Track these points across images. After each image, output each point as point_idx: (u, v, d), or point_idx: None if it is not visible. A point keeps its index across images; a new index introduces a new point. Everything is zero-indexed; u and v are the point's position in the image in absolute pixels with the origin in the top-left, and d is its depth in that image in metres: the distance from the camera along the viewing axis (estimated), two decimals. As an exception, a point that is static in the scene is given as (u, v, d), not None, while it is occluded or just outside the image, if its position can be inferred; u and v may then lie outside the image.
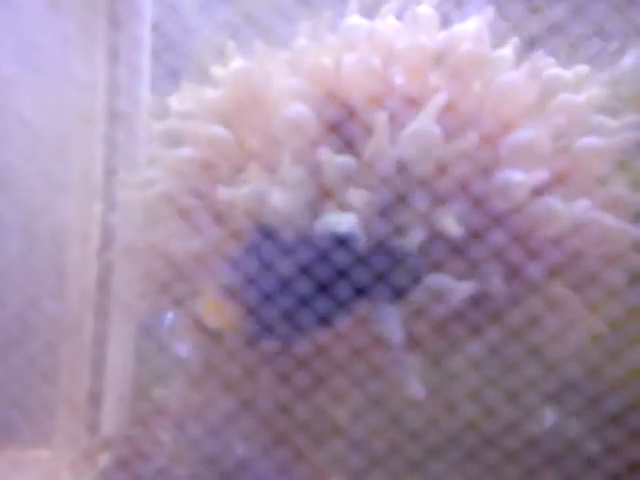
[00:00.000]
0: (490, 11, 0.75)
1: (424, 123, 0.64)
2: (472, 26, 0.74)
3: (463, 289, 0.59)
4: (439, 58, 0.75)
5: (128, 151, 0.84)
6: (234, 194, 0.67)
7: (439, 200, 0.64)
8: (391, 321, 0.61)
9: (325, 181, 0.68)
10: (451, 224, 0.60)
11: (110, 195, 0.81)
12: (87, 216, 0.82)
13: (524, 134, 0.65)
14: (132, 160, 0.83)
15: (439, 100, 0.65)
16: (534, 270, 0.62)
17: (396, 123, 0.70)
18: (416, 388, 0.60)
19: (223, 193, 0.67)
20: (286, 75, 0.76)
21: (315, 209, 0.66)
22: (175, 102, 0.80)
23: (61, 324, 0.79)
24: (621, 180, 0.70)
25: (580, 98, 0.70)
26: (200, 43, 0.87)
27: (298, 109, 0.70)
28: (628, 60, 0.80)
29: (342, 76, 0.72)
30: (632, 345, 0.62)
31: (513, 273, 0.63)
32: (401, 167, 0.64)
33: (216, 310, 0.61)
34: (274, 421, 0.65)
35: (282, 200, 0.65)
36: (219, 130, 0.70)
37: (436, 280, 0.61)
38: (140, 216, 0.71)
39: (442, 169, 0.64)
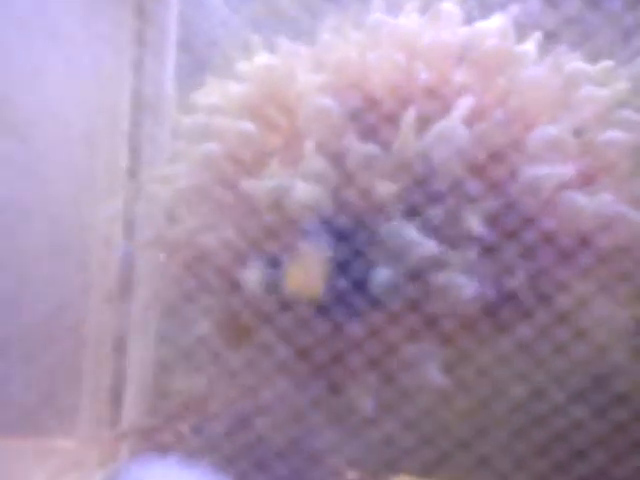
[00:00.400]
0: (514, 9, 0.75)
1: (453, 125, 0.65)
2: (496, 23, 0.75)
3: (470, 287, 0.60)
4: (463, 54, 0.76)
5: (154, 143, 0.85)
6: (258, 186, 0.68)
7: (467, 197, 0.65)
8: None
9: (350, 170, 0.69)
10: (475, 223, 0.61)
11: (135, 189, 0.83)
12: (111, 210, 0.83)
13: (548, 130, 0.65)
14: (159, 152, 0.85)
15: (467, 102, 0.65)
16: (563, 267, 0.62)
17: (421, 118, 0.71)
18: (435, 375, 0.62)
19: (248, 186, 0.69)
20: (310, 70, 0.77)
21: (339, 199, 0.67)
22: (201, 96, 0.81)
23: (85, 319, 0.80)
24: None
25: (604, 92, 0.70)
26: (226, 37, 0.88)
27: (324, 101, 0.72)
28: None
29: (367, 70, 0.73)
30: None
31: (542, 270, 0.63)
32: (430, 167, 0.65)
33: (302, 277, 0.62)
34: (304, 410, 0.66)
35: (305, 192, 0.66)
36: (245, 125, 0.71)
37: (445, 277, 0.62)
38: (168, 208, 0.73)
39: (471, 167, 0.65)
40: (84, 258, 0.83)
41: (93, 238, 0.83)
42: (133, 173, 0.85)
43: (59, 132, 0.81)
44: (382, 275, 0.64)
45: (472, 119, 0.68)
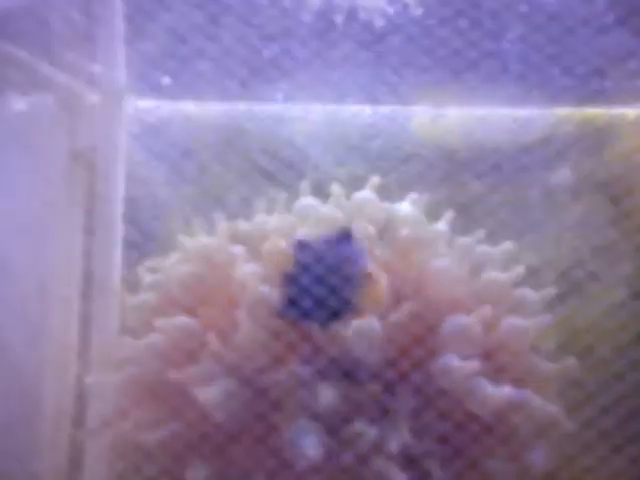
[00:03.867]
0: (424, 196, 0.85)
1: (370, 322, 0.72)
2: (407, 209, 0.84)
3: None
4: (381, 234, 0.85)
5: (104, 323, 0.90)
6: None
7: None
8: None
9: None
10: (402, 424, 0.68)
11: (85, 368, 0.87)
12: (62, 389, 0.87)
13: (459, 320, 0.74)
14: (109, 329, 0.90)
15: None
16: (475, 449, 0.69)
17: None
18: None
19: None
20: (247, 256, 0.83)
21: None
22: (145, 272, 0.87)
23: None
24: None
25: (504, 276, 0.79)
26: (168, 214, 0.96)
27: (262, 290, 0.78)
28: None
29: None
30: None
31: (454, 453, 0.70)
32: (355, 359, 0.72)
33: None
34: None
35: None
36: (183, 320, 0.77)
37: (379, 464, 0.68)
38: (113, 397, 0.77)
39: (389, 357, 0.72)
40: (33, 435, 0.86)
41: (42, 414, 0.86)
42: (85, 346, 0.90)
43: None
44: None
45: (389, 303, 0.77)
